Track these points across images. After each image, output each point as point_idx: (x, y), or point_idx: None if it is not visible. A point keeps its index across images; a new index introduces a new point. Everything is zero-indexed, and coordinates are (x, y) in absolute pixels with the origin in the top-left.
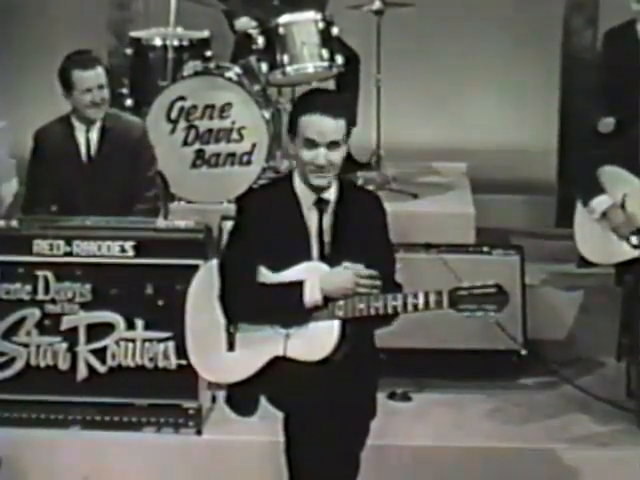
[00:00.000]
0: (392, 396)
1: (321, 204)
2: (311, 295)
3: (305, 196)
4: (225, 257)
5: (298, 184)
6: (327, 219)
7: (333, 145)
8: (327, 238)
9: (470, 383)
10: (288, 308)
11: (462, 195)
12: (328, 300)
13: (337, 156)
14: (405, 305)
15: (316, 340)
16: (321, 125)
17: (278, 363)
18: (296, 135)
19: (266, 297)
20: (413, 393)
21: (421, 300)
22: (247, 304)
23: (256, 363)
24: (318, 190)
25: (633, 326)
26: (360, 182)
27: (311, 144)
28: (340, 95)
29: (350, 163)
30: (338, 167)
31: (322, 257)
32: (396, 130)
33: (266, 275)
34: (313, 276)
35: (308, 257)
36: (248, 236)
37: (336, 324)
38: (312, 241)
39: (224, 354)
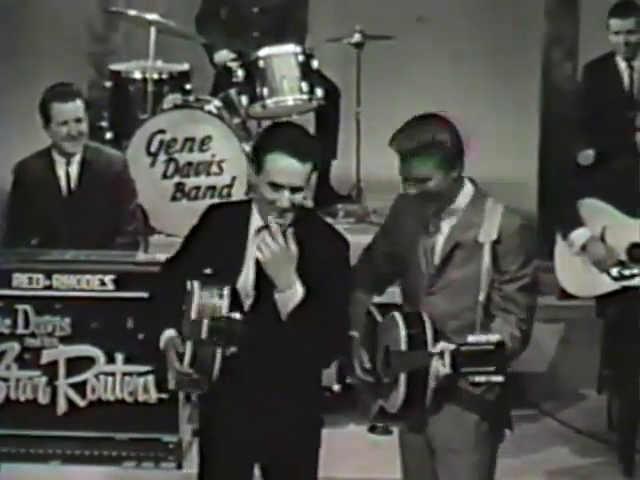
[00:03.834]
0: (373, 429)
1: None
2: (161, 341)
3: (253, 223)
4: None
5: (254, 211)
6: None
7: (297, 189)
8: None
9: None
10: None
11: None
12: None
13: (299, 198)
14: None
15: None
16: (287, 168)
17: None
18: (260, 170)
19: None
20: (394, 426)
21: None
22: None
23: None
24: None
25: (615, 359)
26: (341, 214)
27: (276, 186)
28: (308, 133)
29: (331, 195)
30: (299, 208)
31: (257, 279)
32: (376, 163)
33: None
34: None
35: (233, 275)
36: (189, 248)
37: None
38: (248, 268)
39: None
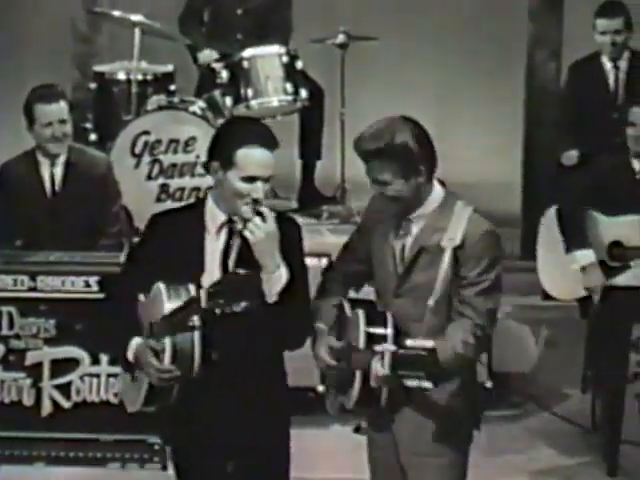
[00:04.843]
0: (358, 430)
1: (231, 224)
2: (129, 351)
3: (214, 220)
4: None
5: (209, 208)
6: (235, 241)
7: (268, 179)
8: (232, 262)
9: None
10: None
11: None
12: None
13: (267, 187)
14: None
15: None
16: (261, 160)
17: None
18: (231, 166)
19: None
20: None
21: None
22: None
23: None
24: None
25: (599, 359)
26: (325, 215)
27: (250, 179)
28: (262, 122)
29: (315, 196)
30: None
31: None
32: (361, 164)
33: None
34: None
35: (194, 278)
36: (138, 261)
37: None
38: (212, 265)
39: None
